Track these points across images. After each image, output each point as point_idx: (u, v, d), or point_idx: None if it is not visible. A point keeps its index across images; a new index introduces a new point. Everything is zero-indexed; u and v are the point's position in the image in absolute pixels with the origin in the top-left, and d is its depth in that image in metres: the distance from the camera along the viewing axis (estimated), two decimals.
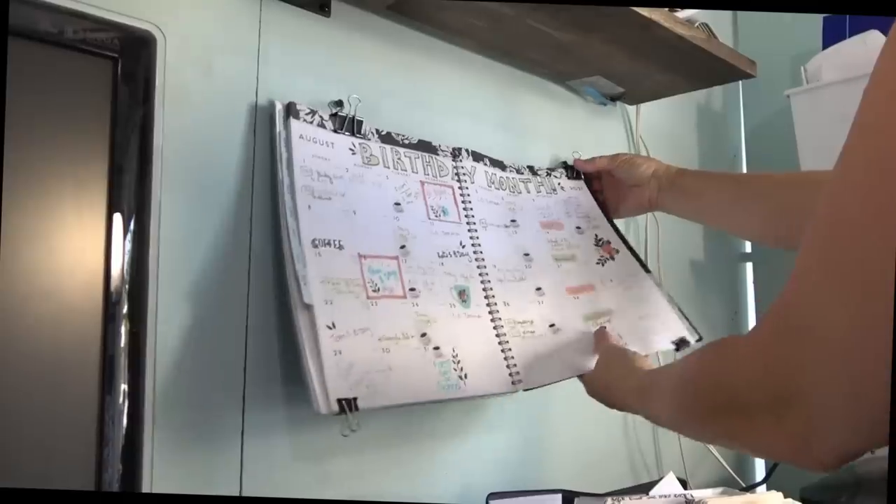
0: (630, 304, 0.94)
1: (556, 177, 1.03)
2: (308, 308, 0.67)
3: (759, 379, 0.46)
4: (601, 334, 0.86)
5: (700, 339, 0.93)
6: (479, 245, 0.87)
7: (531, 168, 1.02)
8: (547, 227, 0.96)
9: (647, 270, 0.99)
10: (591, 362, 0.83)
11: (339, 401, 0.64)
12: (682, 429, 0.67)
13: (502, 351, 0.81)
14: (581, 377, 0.83)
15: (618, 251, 0.99)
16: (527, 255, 0.91)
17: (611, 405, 0.79)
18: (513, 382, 0.79)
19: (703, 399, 0.54)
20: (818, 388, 0.41)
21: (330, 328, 0.67)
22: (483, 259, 0.86)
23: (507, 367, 0.80)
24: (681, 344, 0.91)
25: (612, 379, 0.79)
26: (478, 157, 0.94)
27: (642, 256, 1.03)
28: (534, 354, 0.83)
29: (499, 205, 0.93)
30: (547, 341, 0.85)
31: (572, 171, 1.05)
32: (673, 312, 0.95)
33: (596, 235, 1.00)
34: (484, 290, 0.84)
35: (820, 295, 0.41)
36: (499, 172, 0.96)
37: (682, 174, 0.95)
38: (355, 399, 0.64)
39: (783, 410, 0.44)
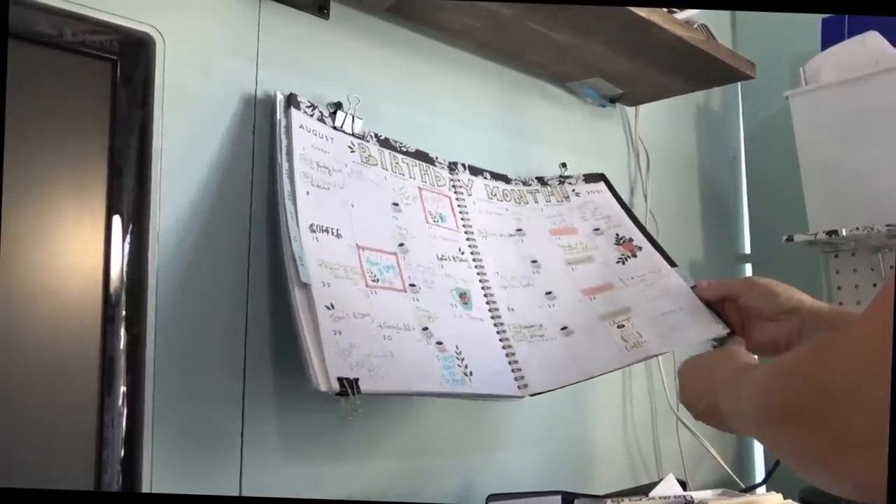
0: (652, 300, 0.91)
1: (570, 183, 1.03)
2: (305, 287, 0.66)
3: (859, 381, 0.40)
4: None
5: (731, 333, 0.84)
6: (479, 253, 0.87)
7: (540, 179, 1.02)
8: (558, 234, 0.97)
9: (673, 265, 0.95)
10: (607, 364, 0.80)
11: (340, 379, 0.62)
12: (768, 428, 0.53)
13: (507, 356, 0.80)
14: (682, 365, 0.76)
15: (640, 248, 0.97)
16: (534, 261, 0.92)
17: (695, 393, 0.72)
18: (518, 387, 0.78)
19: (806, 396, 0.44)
20: None
21: (329, 308, 0.66)
22: (483, 266, 0.87)
23: (512, 371, 0.79)
24: (714, 340, 0.84)
25: (713, 364, 0.70)
26: (476, 171, 0.95)
27: None
28: (542, 359, 0.82)
29: (502, 215, 0.94)
30: (559, 344, 0.84)
31: (590, 175, 1.05)
32: (700, 306, 0.88)
33: (617, 234, 0.99)
34: (485, 295, 0.84)
35: None
36: (502, 185, 0.97)
37: (839, 314, 0.77)
38: (357, 380, 0.63)
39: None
